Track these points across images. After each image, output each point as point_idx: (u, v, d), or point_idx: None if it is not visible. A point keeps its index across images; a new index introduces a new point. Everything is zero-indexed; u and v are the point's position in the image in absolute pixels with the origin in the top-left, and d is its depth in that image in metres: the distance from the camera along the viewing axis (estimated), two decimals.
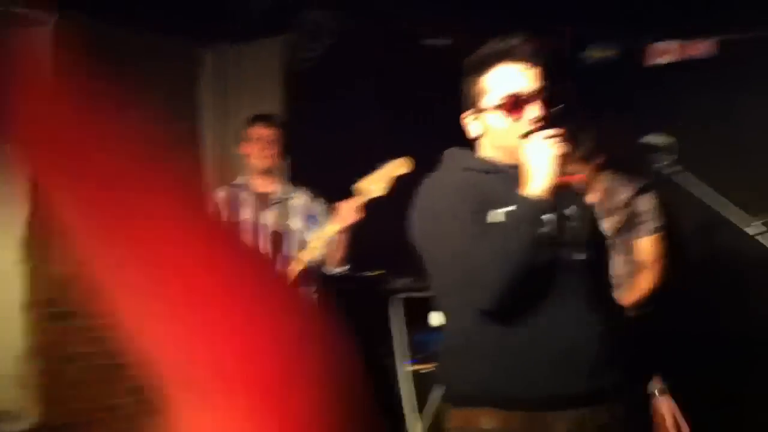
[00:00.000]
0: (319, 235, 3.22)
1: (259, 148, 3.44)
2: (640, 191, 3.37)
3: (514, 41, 1.75)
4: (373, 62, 4.10)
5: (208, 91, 4.43)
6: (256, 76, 4.47)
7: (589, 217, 1.84)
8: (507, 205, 1.68)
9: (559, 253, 1.72)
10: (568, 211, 1.78)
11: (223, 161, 4.09)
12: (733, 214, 2.27)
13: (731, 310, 3.69)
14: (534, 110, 1.72)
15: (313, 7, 4.00)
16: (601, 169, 3.56)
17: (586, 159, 3.49)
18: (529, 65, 1.74)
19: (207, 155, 4.28)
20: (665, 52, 3.77)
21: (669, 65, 3.80)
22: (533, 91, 1.72)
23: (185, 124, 4.25)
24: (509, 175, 1.75)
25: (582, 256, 1.75)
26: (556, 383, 1.65)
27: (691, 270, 3.54)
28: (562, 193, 1.73)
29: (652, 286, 3.25)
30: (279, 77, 4.41)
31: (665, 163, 2.35)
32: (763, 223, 2.18)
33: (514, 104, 1.73)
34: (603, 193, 3.56)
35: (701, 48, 3.69)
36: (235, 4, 4.23)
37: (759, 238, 2.19)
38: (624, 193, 3.47)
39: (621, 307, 1.81)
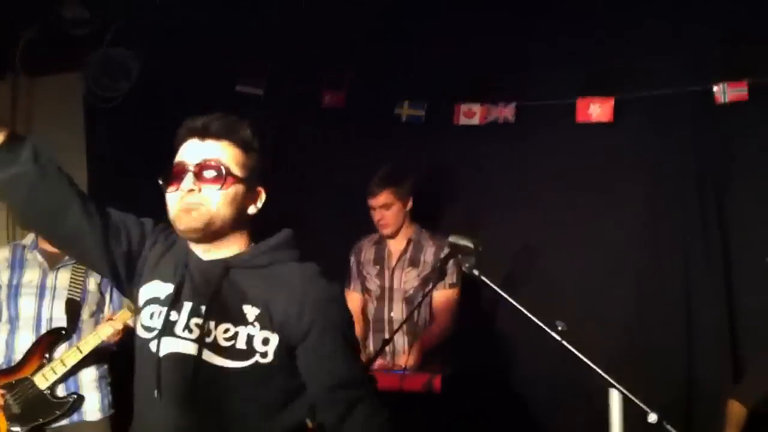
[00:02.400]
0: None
1: None
2: (448, 254, 3.53)
3: (203, 119, 1.71)
4: (183, 104, 3.94)
5: None
6: (52, 110, 4.17)
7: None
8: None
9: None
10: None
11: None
12: (533, 315, 2.40)
13: None
14: (188, 181, 1.66)
15: (114, 45, 3.79)
16: (410, 216, 3.69)
17: (400, 196, 3.62)
18: (212, 141, 1.70)
19: None
20: (471, 114, 3.95)
21: (475, 126, 3.97)
22: (193, 163, 1.68)
23: None
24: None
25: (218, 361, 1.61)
26: None
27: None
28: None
29: (441, 336, 3.53)
30: (79, 114, 4.14)
31: (469, 264, 2.48)
32: (560, 331, 2.32)
33: (173, 175, 1.69)
34: (409, 244, 3.68)
35: (502, 112, 3.91)
36: (31, 32, 3.93)
37: (563, 341, 2.33)
38: (431, 249, 3.62)
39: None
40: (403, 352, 3.52)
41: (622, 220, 3.89)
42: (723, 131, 3.77)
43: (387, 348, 3.56)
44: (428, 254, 3.66)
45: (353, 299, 3.72)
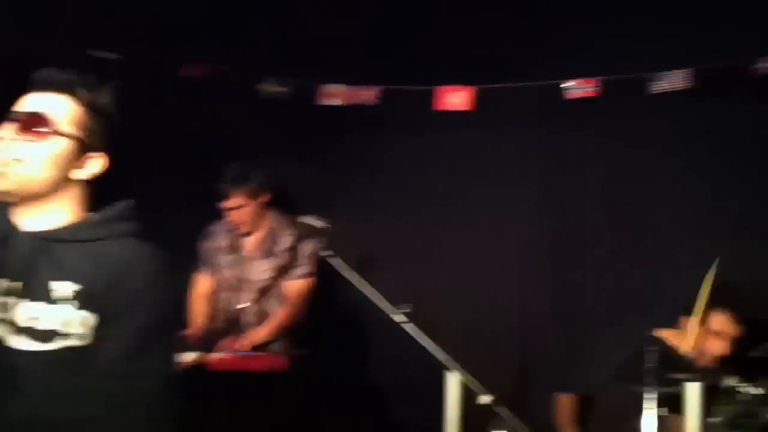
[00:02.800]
0: None
1: None
2: (303, 237, 3.51)
3: (49, 71, 1.60)
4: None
5: None
6: None
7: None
8: None
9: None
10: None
11: None
12: (380, 301, 2.43)
13: None
14: (8, 130, 1.54)
15: None
16: (266, 207, 3.62)
17: (253, 195, 3.52)
18: (52, 94, 1.59)
19: None
20: (334, 95, 3.93)
21: (338, 107, 3.95)
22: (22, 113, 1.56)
23: None
24: None
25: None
26: None
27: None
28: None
29: (289, 322, 3.54)
30: None
31: (320, 245, 2.48)
32: (405, 314, 2.36)
33: None
34: (267, 233, 3.62)
35: (365, 94, 3.91)
36: None
37: (403, 326, 2.37)
38: (287, 238, 3.58)
39: None
40: (251, 335, 3.49)
41: (481, 208, 4.01)
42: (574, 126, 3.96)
43: (236, 331, 3.52)
44: (284, 243, 3.60)
45: (202, 283, 3.66)
